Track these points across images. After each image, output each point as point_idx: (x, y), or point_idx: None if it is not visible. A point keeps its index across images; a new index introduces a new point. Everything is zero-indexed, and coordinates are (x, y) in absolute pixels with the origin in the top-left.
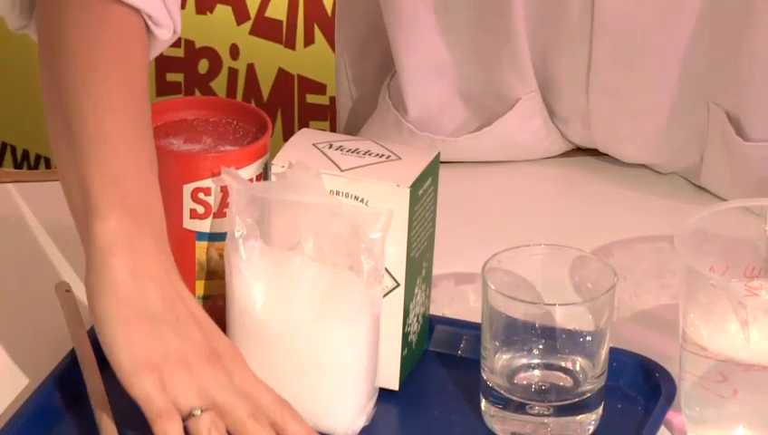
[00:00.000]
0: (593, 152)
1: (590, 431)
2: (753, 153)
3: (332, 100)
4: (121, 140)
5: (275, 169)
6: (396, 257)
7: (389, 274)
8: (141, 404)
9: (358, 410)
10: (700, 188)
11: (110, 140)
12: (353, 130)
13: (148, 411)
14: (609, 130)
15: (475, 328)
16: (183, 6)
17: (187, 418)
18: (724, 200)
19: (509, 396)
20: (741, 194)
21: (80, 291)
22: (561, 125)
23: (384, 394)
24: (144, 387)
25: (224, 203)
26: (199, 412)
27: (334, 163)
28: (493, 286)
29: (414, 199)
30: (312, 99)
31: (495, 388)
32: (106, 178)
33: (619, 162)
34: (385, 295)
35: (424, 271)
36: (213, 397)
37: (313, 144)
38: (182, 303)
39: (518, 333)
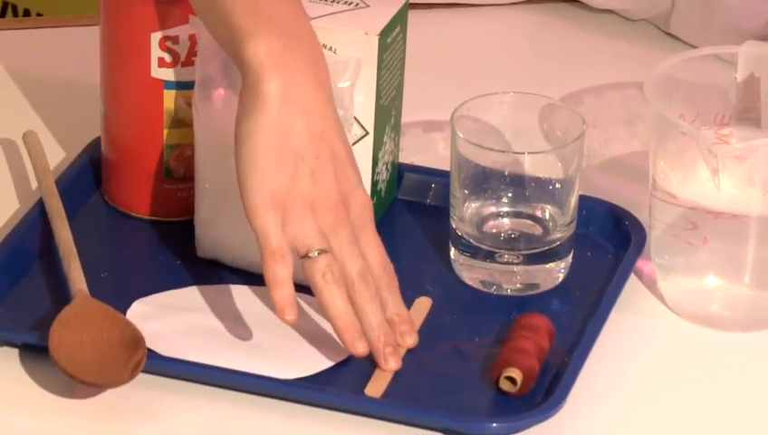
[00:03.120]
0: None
1: (560, 279)
2: None
3: None
4: None
5: None
6: (364, 106)
7: (358, 122)
8: (258, 239)
9: None
10: (670, 35)
11: None
12: None
13: (262, 249)
14: None
15: (444, 176)
16: None
17: (303, 258)
18: (695, 48)
19: (478, 245)
20: (711, 41)
21: (47, 142)
22: None
23: None
24: (264, 222)
25: (192, 51)
26: (316, 254)
27: None
28: (461, 134)
29: (383, 47)
30: None
31: (464, 236)
32: (246, 3)
33: (589, 8)
34: (354, 144)
35: (393, 119)
36: (330, 245)
37: None
38: (328, 141)
39: (487, 182)
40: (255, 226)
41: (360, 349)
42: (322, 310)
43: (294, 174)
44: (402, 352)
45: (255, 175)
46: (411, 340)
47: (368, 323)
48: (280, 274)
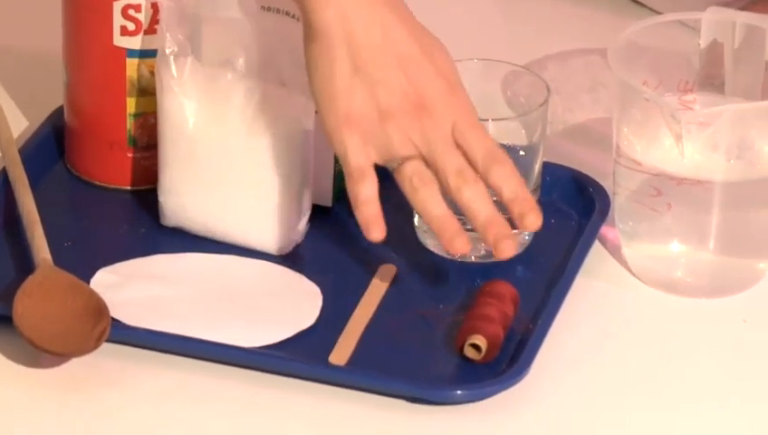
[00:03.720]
0: None
1: (525, 246)
2: None
3: None
4: None
5: None
6: None
7: None
8: (340, 162)
9: (291, 226)
10: (635, 1)
11: None
12: None
13: (344, 170)
14: None
15: None
16: None
17: (391, 168)
18: (659, 14)
19: None
20: (675, 7)
21: (10, 111)
22: None
23: (317, 211)
24: (341, 143)
25: (154, 20)
26: (401, 162)
27: None
28: None
29: None
30: None
31: None
32: None
33: None
34: (317, 111)
35: None
36: (418, 148)
37: None
38: (391, 47)
39: None
40: (335, 151)
41: (458, 247)
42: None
43: (363, 90)
44: (518, 238)
45: (324, 99)
46: (530, 220)
47: (474, 219)
48: (361, 192)
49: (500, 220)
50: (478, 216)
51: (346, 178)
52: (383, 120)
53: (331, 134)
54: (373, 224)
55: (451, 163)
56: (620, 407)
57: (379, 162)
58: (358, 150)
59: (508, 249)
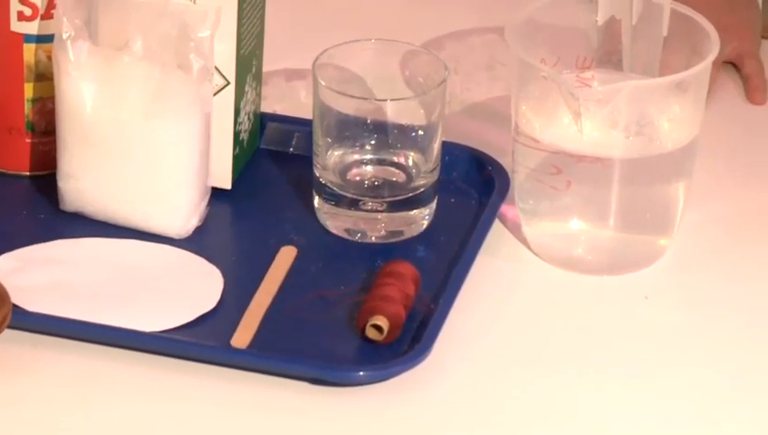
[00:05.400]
0: None
1: (424, 226)
2: None
3: None
4: None
5: None
6: (225, 55)
7: (219, 72)
8: None
9: (190, 209)
10: None
11: None
12: None
13: None
14: None
15: (306, 124)
16: None
17: None
18: None
19: (342, 193)
20: None
21: None
22: None
23: (217, 194)
24: None
25: (51, 4)
26: None
27: None
28: (323, 82)
29: None
30: None
31: (328, 185)
32: None
33: None
34: (215, 94)
35: (254, 68)
36: None
37: None
38: None
39: (350, 129)
40: None
41: None
42: None
43: None
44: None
45: None
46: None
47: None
48: None
49: None
50: None
51: None
52: None
53: None
54: None
55: None
56: (523, 383)
57: None
58: None
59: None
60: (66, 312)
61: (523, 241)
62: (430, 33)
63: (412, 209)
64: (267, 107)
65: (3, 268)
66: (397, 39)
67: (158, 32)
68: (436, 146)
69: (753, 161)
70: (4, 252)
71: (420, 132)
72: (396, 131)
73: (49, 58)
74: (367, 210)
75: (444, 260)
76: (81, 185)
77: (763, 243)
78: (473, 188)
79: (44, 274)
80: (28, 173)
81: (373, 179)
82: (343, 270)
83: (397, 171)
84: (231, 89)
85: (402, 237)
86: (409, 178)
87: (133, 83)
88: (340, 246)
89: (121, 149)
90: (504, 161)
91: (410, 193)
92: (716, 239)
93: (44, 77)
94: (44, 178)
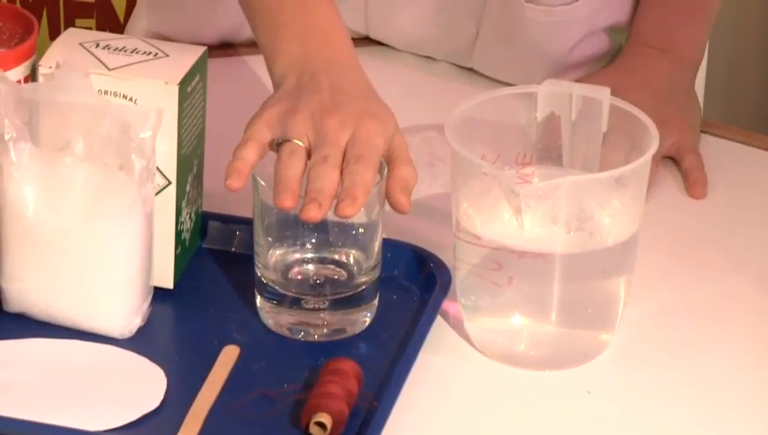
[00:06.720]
0: (367, 41)
1: (366, 324)
2: (531, 16)
3: None
4: None
5: (43, 69)
6: (166, 156)
7: (161, 172)
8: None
9: (133, 309)
10: (472, 71)
11: None
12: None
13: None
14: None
15: (248, 223)
16: None
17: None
18: (496, 82)
19: (284, 291)
20: (512, 74)
21: None
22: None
23: (159, 293)
24: (247, 125)
25: None
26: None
27: (102, 62)
28: (263, 182)
29: (183, 96)
30: None
31: (270, 284)
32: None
33: (390, 50)
34: (157, 194)
35: (195, 168)
36: (309, 139)
37: (80, 44)
38: (327, 78)
39: (290, 228)
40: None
41: (281, 200)
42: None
43: (288, 101)
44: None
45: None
46: (344, 211)
47: (309, 183)
48: (238, 151)
49: (326, 194)
50: (313, 181)
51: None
52: (290, 113)
53: (246, 127)
54: (233, 174)
55: (325, 151)
56: None
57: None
58: (256, 127)
59: (313, 212)
60: (8, 411)
61: (466, 337)
62: None
63: (354, 307)
64: (209, 206)
65: None
66: None
67: (100, 133)
68: (377, 244)
69: (694, 255)
70: None
71: (361, 230)
72: (336, 230)
73: None
74: (309, 309)
75: (386, 357)
76: (25, 286)
77: (704, 336)
78: (414, 284)
79: None
80: None
81: (315, 277)
82: (286, 368)
83: (338, 269)
84: (173, 189)
85: (345, 335)
86: (351, 275)
87: (75, 185)
88: (282, 345)
89: (63, 251)
90: (446, 257)
91: (352, 291)
92: (658, 333)
93: None
94: None
